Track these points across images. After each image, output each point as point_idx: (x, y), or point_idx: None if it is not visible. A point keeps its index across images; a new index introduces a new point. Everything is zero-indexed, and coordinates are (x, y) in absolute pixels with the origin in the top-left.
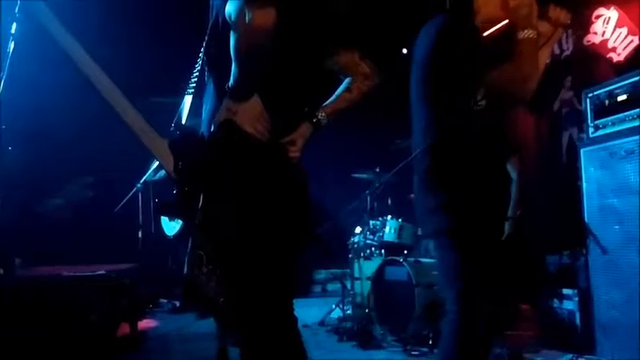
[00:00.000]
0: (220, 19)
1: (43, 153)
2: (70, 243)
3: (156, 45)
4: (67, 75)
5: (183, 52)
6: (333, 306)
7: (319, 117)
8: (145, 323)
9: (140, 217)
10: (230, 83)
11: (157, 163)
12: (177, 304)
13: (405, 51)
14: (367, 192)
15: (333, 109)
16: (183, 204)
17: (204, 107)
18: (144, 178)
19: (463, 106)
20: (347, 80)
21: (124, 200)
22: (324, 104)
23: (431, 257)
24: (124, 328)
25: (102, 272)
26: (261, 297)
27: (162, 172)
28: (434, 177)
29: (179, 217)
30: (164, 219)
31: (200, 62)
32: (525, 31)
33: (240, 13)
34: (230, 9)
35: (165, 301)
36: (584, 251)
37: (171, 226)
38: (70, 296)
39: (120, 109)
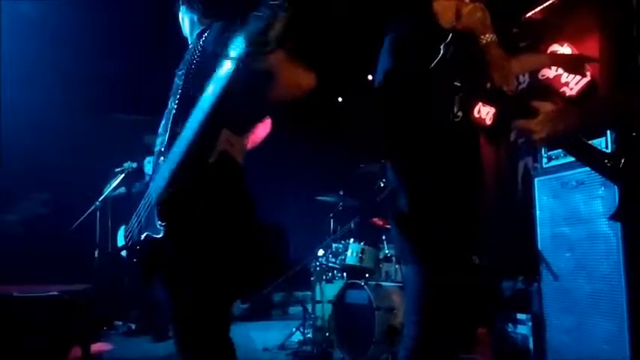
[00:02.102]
0: (211, 62)
1: None
2: (23, 261)
3: (119, 61)
4: (26, 90)
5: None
6: (294, 329)
7: None
8: (98, 346)
9: (97, 235)
10: None
11: (116, 179)
12: (133, 326)
13: (370, 77)
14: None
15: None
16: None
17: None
18: (103, 195)
19: (445, 117)
20: None
21: (81, 218)
22: None
23: (392, 281)
24: (76, 351)
25: (54, 292)
26: (200, 315)
27: (122, 189)
28: (413, 200)
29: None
30: (120, 235)
31: (174, 103)
32: (485, 36)
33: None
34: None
35: (120, 323)
36: (538, 277)
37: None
38: (21, 317)
39: None
